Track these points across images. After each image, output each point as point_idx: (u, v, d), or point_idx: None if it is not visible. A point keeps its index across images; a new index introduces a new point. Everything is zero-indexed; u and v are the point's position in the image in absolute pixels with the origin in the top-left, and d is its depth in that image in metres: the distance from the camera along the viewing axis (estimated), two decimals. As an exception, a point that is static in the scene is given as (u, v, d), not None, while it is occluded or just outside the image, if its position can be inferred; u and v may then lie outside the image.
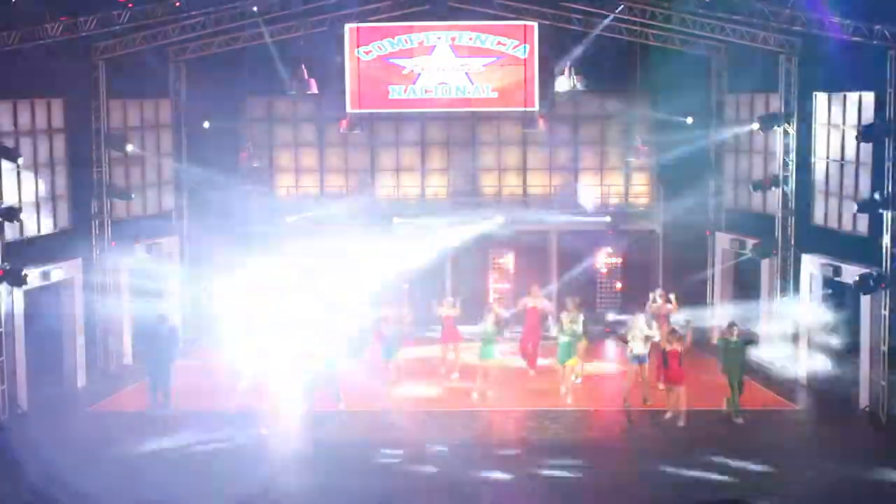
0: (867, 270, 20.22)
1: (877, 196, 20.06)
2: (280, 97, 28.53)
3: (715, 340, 22.84)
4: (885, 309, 20.01)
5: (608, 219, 27.66)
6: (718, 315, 26.74)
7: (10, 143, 21.31)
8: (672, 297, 23.28)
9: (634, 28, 25.30)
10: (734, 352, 20.31)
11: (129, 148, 24.76)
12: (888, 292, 19.92)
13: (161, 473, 17.64)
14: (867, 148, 21.09)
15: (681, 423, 19.97)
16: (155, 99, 26.94)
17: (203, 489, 16.92)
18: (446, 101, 26.96)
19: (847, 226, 22.37)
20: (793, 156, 23.93)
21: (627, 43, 25.85)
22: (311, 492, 17.01)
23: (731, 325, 20.72)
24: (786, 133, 23.89)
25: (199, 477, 17.45)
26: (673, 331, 20.76)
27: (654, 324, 21.82)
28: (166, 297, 25.52)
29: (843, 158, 22.59)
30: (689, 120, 27.29)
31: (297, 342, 21.24)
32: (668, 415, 20.25)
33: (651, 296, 23.62)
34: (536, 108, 26.78)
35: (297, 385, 20.86)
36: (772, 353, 23.58)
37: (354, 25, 26.53)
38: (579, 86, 25.74)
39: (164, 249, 26.48)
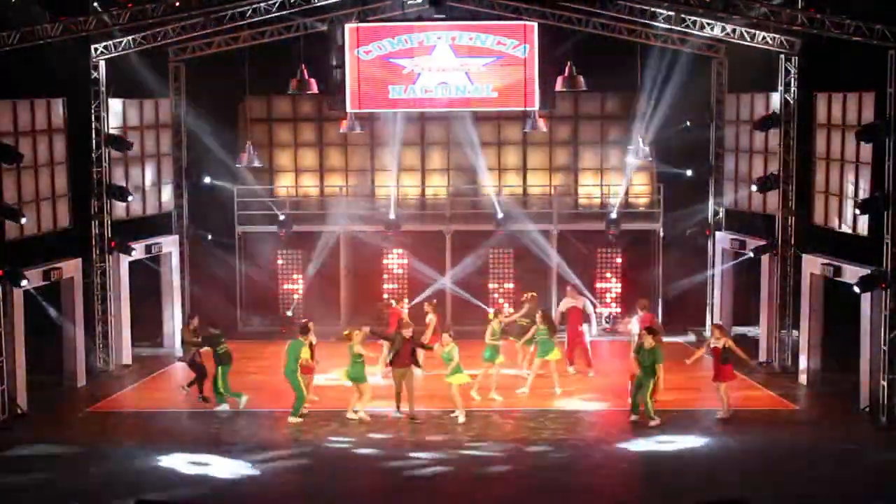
0: (867, 270, 20.23)
1: (877, 196, 20.07)
2: (280, 97, 28.53)
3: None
4: (885, 309, 20.00)
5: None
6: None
7: (10, 142, 21.31)
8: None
9: (634, 28, 25.30)
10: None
11: (132, 146, 24.92)
12: (888, 292, 19.92)
13: (161, 473, 17.64)
14: (867, 148, 21.10)
15: (723, 416, 20.19)
16: (155, 99, 26.94)
17: (201, 489, 16.96)
18: (446, 101, 26.96)
19: (847, 226, 22.37)
20: (793, 156, 23.94)
21: (627, 43, 25.84)
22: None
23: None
24: (786, 133, 23.89)
25: (195, 476, 17.46)
26: (718, 325, 21.08)
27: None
28: None
29: (843, 158, 22.59)
30: (689, 123, 27.34)
31: None
32: (720, 413, 20.33)
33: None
34: (536, 108, 26.79)
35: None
36: None
37: (354, 25, 26.52)
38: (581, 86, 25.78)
39: (164, 249, 26.54)
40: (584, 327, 23.90)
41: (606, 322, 27.33)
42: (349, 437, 19.45)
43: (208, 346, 21.32)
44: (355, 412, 20.15)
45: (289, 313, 28.47)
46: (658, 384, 19.67)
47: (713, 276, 27.37)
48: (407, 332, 20.40)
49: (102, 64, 23.94)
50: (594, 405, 21.70)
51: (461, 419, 20.09)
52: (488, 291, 28.54)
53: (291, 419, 20.16)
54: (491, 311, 23.66)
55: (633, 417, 19.97)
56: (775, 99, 24.27)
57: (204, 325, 21.86)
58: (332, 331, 22.84)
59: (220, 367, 20.97)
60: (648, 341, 19.76)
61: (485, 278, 28.55)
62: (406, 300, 24.30)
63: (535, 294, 24.29)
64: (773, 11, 20.64)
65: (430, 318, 23.42)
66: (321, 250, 28.06)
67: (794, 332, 23.91)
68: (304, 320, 21.93)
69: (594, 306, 25.30)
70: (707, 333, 27.11)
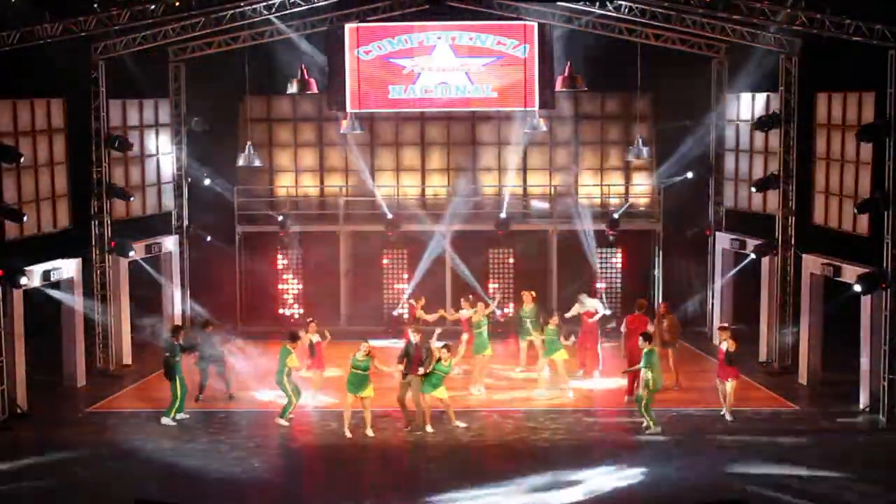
0: (867, 270, 20.22)
1: (877, 196, 20.06)
2: (280, 97, 28.53)
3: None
4: (885, 309, 20.00)
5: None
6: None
7: (10, 143, 21.31)
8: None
9: (634, 28, 25.31)
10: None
11: (132, 146, 25.02)
12: (888, 292, 19.91)
13: (161, 473, 17.64)
14: (867, 148, 21.10)
15: (728, 418, 20.18)
16: (155, 99, 26.94)
17: (201, 489, 16.96)
18: (446, 101, 26.98)
19: (847, 226, 22.37)
20: (793, 156, 23.95)
21: (627, 43, 25.85)
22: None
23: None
24: (786, 133, 23.89)
25: (196, 476, 17.48)
26: (723, 327, 21.10)
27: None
28: None
29: (843, 158, 22.59)
30: (688, 123, 27.33)
31: None
32: (723, 412, 20.35)
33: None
34: (536, 108, 26.80)
35: None
36: None
37: (354, 25, 26.53)
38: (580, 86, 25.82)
39: (164, 249, 26.56)
40: (590, 320, 23.74)
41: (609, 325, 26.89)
42: (347, 437, 19.44)
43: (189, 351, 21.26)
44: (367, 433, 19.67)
45: (287, 312, 28.51)
46: (648, 387, 19.57)
47: (713, 287, 27.26)
48: (414, 338, 20.16)
49: (102, 64, 23.94)
50: (595, 405, 21.70)
51: (461, 425, 20.00)
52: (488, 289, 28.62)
53: (280, 420, 20.18)
54: (491, 305, 23.68)
55: (651, 425, 19.77)
56: (775, 99, 24.27)
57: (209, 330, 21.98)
58: (333, 330, 22.80)
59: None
60: (644, 346, 19.77)
61: (484, 277, 28.58)
62: (423, 299, 24.13)
63: (534, 293, 24.21)
64: (773, 11, 20.63)
65: (467, 313, 23.19)
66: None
67: (794, 332, 23.89)
68: (309, 320, 21.98)
69: (603, 305, 25.31)
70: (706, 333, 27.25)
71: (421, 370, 19.68)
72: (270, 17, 23.79)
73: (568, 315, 23.34)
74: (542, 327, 22.22)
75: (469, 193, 28.66)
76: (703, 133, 27.28)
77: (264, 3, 22.98)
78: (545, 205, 28.99)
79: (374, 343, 20.48)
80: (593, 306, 23.71)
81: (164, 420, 20.19)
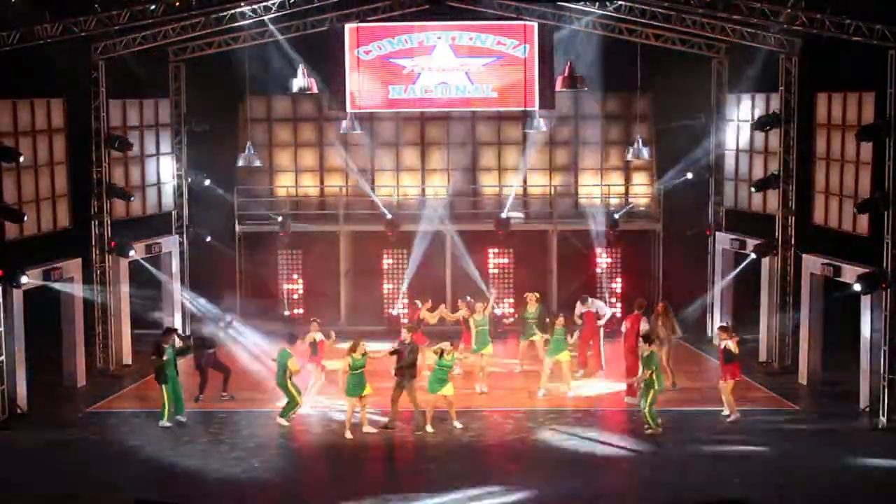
0: (867, 270, 20.22)
1: (877, 196, 20.07)
2: (280, 97, 28.53)
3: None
4: (885, 309, 20.00)
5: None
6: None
7: (10, 143, 21.31)
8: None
9: (634, 28, 25.31)
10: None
11: (133, 146, 25.05)
12: (888, 292, 19.92)
13: (161, 473, 17.64)
14: (867, 148, 21.10)
15: (731, 418, 20.15)
16: (155, 99, 26.94)
17: (201, 489, 16.96)
18: (446, 101, 26.99)
19: (847, 226, 22.37)
20: (793, 156, 23.94)
21: (627, 43, 25.85)
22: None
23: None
24: (786, 133, 23.89)
25: (196, 476, 17.48)
26: (723, 327, 21.10)
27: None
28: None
29: (843, 158, 22.59)
30: (692, 121, 27.29)
31: None
32: (724, 412, 20.31)
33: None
34: (536, 108, 26.79)
35: None
36: None
37: (354, 25, 26.53)
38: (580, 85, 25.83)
39: (163, 249, 26.55)
40: (600, 322, 23.73)
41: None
42: (348, 438, 19.43)
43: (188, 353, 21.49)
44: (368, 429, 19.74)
45: (286, 313, 28.52)
46: (651, 390, 19.52)
47: (713, 287, 27.23)
48: (407, 337, 20.25)
49: (102, 64, 23.93)
50: (595, 405, 21.70)
51: (458, 425, 19.97)
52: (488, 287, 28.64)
53: (280, 420, 20.18)
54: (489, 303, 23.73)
55: (648, 430, 19.67)
56: (775, 99, 24.27)
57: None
58: (333, 330, 22.83)
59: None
60: (644, 349, 19.78)
61: (484, 277, 28.58)
62: (429, 301, 24.07)
63: (538, 294, 24.14)
64: (773, 11, 20.64)
65: (463, 314, 23.12)
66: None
67: (794, 332, 23.89)
68: (312, 319, 21.97)
69: (606, 304, 25.35)
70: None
71: (396, 366, 19.79)
72: (265, 18, 23.80)
73: (574, 316, 23.34)
74: (548, 327, 22.22)
75: (464, 192, 28.70)
76: (703, 133, 27.28)
77: (264, 4, 22.99)
78: (521, 214, 29.06)
79: (373, 344, 20.52)
80: (597, 307, 23.74)
81: (162, 423, 20.19)
